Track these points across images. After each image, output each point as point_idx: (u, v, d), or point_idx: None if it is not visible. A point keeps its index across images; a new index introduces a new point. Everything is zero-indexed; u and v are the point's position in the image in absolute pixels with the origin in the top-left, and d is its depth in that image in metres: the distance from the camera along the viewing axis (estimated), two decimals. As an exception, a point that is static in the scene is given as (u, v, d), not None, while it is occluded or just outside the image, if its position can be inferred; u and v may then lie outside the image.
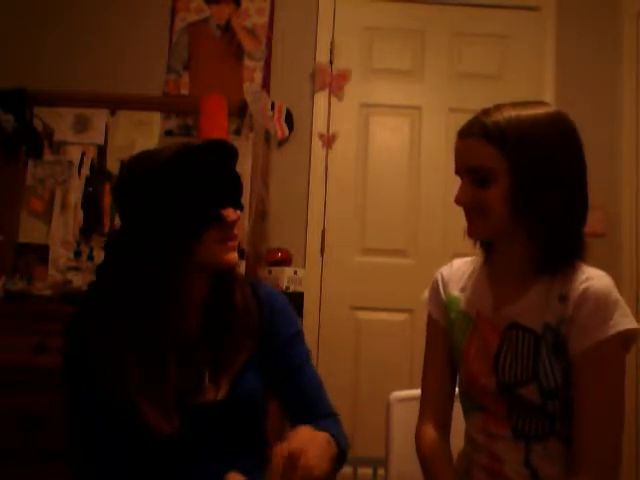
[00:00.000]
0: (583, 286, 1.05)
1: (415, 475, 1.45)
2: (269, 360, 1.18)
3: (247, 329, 1.15)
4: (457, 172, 1.13)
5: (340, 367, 2.85)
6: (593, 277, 1.06)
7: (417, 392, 1.43)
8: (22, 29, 3.00)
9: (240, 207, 1.15)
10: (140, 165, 1.09)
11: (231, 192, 1.14)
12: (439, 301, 1.26)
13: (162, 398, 1.04)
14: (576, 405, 1.03)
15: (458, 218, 3.26)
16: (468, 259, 1.28)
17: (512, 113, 1.07)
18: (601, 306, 1.02)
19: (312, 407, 1.18)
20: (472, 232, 1.14)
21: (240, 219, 1.14)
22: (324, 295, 2.91)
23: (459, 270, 1.27)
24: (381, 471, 1.75)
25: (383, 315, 2.91)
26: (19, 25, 3.00)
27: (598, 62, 3.00)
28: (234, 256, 1.13)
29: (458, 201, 1.12)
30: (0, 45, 2.97)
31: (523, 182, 1.05)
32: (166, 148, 1.11)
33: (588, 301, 1.03)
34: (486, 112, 1.10)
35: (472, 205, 1.10)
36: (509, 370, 1.09)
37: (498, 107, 1.10)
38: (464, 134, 1.10)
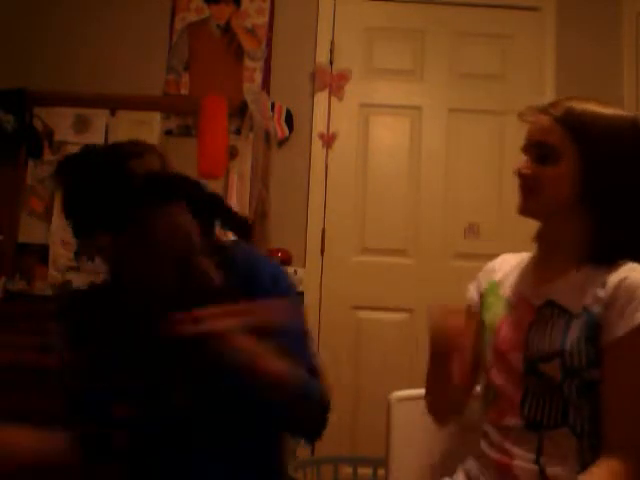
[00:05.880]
0: (624, 274, 1.07)
1: (415, 475, 1.46)
2: None
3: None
4: (524, 146, 1.18)
5: (340, 367, 2.85)
6: (636, 269, 1.08)
7: (417, 392, 1.44)
8: (22, 29, 2.99)
9: (111, 229, 1.05)
10: None
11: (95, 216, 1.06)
12: (479, 290, 1.30)
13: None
14: (607, 389, 1.05)
15: (458, 218, 3.25)
16: (518, 254, 1.31)
17: (594, 107, 1.13)
18: (639, 294, 1.04)
19: None
20: (524, 208, 1.17)
21: (111, 241, 1.05)
22: (324, 295, 2.91)
23: (505, 261, 1.31)
24: (381, 471, 1.75)
25: (383, 315, 2.91)
26: (19, 25, 3.00)
27: (598, 62, 2.99)
28: None
29: (519, 172, 1.16)
30: (0, 45, 2.98)
31: (590, 173, 1.10)
32: None
33: (626, 289, 1.05)
34: (570, 98, 1.16)
35: (528, 179, 1.14)
36: (537, 343, 1.11)
37: (584, 99, 1.16)
38: (542, 110, 1.15)
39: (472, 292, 1.32)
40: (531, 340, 1.12)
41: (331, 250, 2.93)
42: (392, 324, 2.89)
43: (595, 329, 1.06)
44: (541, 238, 1.21)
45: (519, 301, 1.19)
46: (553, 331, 1.10)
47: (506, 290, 1.23)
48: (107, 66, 2.98)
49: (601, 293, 1.07)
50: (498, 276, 1.27)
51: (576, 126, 1.10)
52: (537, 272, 1.20)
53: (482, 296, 1.28)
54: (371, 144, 3.01)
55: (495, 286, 1.26)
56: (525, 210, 1.17)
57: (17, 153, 2.87)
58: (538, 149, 1.13)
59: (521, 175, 1.16)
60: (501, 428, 1.15)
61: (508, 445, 1.12)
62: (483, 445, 1.19)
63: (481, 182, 2.94)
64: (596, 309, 1.07)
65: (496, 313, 1.21)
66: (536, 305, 1.15)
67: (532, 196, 1.15)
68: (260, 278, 1.13)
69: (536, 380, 1.10)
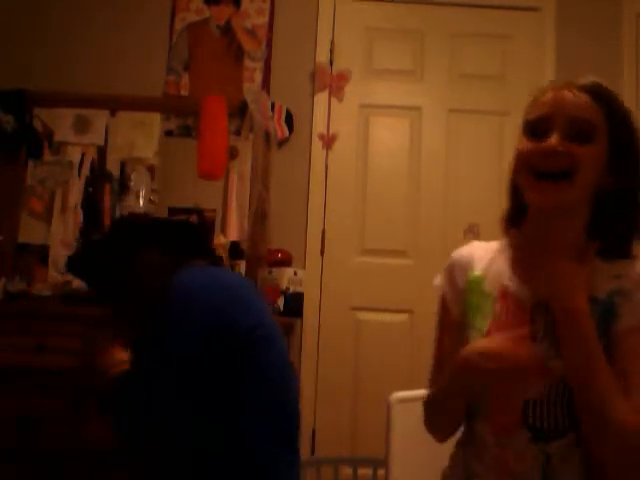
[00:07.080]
0: None
1: (415, 475, 1.46)
2: None
3: None
4: (546, 122, 1.02)
5: (340, 367, 2.85)
6: None
7: (417, 393, 1.43)
8: (22, 29, 3.00)
9: (101, 302, 1.50)
10: None
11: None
12: (454, 286, 1.17)
13: None
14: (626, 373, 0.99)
15: (458, 218, 3.24)
16: (488, 242, 1.21)
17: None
18: None
19: None
20: (552, 199, 1.00)
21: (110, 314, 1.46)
22: (324, 296, 2.91)
23: (480, 249, 1.18)
24: (381, 471, 1.75)
25: (383, 316, 2.90)
26: (19, 25, 3.00)
27: (598, 62, 2.99)
28: None
29: (553, 148, 0.99)
30: (0, 45, 2.98)
31: (616, 157, 1.03)
32: None
33: None
34: (596, 79, 1.09)
35: (565, 158, 0.99)
36: (547, 347, 1.02)
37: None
38: (573, 85, 1.04)
39: (445, 287, 1.19)
40: (539, 346, 1.03)
41: (331, 251, 2.93)
42: (392, 325, 2.89)
43: (608, 320, 1.01)
44: (539, 235, 1.06)
45: (510, 301, 1.08)
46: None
47: (491, 286, 1.11)
48: (107, 66, 2.98)
49: (617, 283, 1.02)
50: (477, 268, 1.14)
51: (610, 105, 1.04)
52: (530, 268, 1.07)
53: (462, 292, 1.14)
54: (371, 145, 3.00)
55: (479, 281, 1.13)
56: (554, 202, 1.00)
57: (17, 153, 2.87)
58: (573, 127, 1.00)
59: (556, 153, 0.99)
60: (501, 446, 1.05)
61: (511, 463, 1.03)
62: (478, 468, 1.08)
63: (481, 182, 2.93)
64: (611, 299, 1.01)
65: (485, 315, 1.09)
66: (531, 304, 1.06)
67: (566, 182, 0.99)
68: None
69: (542, 382, 1.01)
